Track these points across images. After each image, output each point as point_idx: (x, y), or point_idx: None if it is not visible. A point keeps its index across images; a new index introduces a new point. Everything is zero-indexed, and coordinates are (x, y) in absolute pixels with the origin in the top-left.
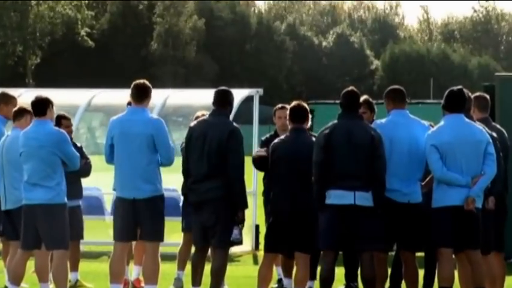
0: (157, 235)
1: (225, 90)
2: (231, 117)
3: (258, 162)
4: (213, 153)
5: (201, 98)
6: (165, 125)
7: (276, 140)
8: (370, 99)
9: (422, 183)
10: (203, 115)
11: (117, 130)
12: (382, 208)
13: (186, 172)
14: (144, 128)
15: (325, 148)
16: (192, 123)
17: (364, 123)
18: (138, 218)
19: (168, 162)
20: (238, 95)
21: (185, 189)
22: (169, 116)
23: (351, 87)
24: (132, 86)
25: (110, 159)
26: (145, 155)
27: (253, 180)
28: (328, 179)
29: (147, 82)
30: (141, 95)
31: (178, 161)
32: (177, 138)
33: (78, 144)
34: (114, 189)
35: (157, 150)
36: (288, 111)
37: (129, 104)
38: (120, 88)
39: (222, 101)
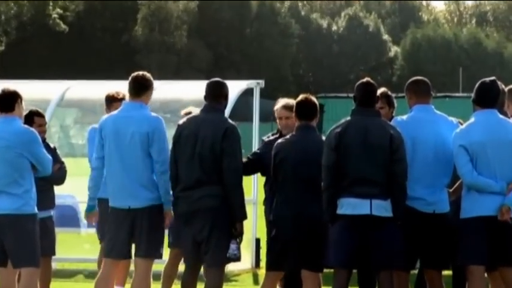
0: (154, 251)
1: (219, 82)
2: (227, 113)
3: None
4: (205, 155)
5: (193, 91)
6: (164, 126)
7: (280, 140)
8: (389, 93)
9: (450, 190)
10: (187, 113)
11: (108, 129)
12: (403, 219)
13: (174, 178)
14: (139, 126)
15: (336, 149)
16: (181, 121)
17: (382, 121)
18: (134, 231)
19: (162, 168)
20: (236, 87)
21: (172, 198)
22: (155, 111)
23: (366, 79)
24: (130, 78)
25: (98, 164)
26: (142, 157)
27: (253, 186)
28: (340, 185)
29: (147, 74)
30: (139, 88)
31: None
32: None
33: (52, 146)
34: (92, 197)
35: (150, 152)
36: (294, 108)
37: (114, 100)
38: (98, 79)
39: (216, 94)
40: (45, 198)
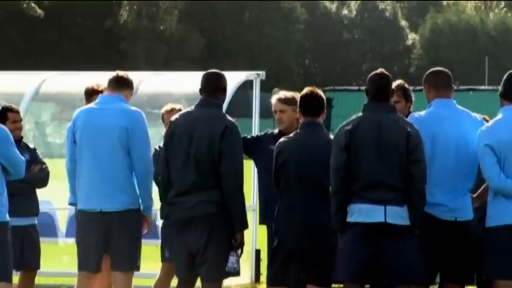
0: (134, 263)
1: (217, 73)
2: (223, 109)
3: None
4: (201, 156)
5: (185, 84)
6: (146, 121)
7: (282, 139)
8: (406, 85)
9: (474, 196)
10: (180, 110)
11: (80, 121)
12: (422, 228)
13: (165, 182)
14: (116, 119)
15: (346, 149)
16: (174, 117)
17: (398, 117)
18: (108, 238)
19: (146, 169)
20: (233, 79)
21: (165, 204)
22: (142, 106)
23: (380, 70)
24: (111, 75)
25: (72, 166)
26: (119, 154)
27: (254, 191)
28: (351, 189)
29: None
30: (119, 82)
31: None
32: (152, 136)
33: (31, 146)
34: (71, 204)
35: (129, 150)
36: (298, 102)
37: (95, 92)
38: (78, 70)
39: (213, 87)
40: (27, 203)
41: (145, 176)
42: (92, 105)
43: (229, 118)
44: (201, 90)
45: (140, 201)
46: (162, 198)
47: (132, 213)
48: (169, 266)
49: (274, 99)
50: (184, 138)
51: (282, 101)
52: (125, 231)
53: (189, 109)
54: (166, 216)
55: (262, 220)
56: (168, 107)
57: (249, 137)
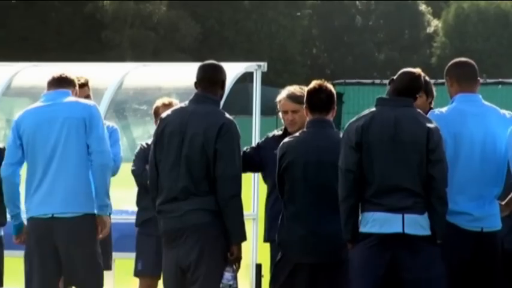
0: (93, 279)
1: (215, 65)
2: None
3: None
4: (195, 158)
5: (176, 76)
6: (100, 113)
7: (286, 139)
8: (426, 78)
9: (502, 203)
10: (169, 104)
11: (28, 122)
12: (444, 239)
13: (153, 187)
14: (72, 111)
15: (358, 148)
16: (165, 113)
17: (417, 112)
18: (60, 250)
19: (103, 160)
20: (231, 71)
21: (145, 214)
22: (128, 102)
23: (417, 70)
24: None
25: (9, 171)
26: (77, 150)
27: (253, 198)
28: (363, 194)
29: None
30: (61, 81)
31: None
32: (140, 135)
33: (1, 145)
34: (13, 215)
35: (88, 143)
36: (304, 98)
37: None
38: (55, 61)
39: (210, 80)
40: None
41: (102, 168)
42: (37, 104)
43: (227, 116)
44: (196, 84)
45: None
46: (152, 205)
47: (88, 219)
48: (147, 281)
49: (283, 97)
50: (175, 137)
51: (294, 99)
52: (80, 240)
53: (182, 105)
54: (151, 227)
55: (268, 237)
56: (164, 100)
57: (248, 149)
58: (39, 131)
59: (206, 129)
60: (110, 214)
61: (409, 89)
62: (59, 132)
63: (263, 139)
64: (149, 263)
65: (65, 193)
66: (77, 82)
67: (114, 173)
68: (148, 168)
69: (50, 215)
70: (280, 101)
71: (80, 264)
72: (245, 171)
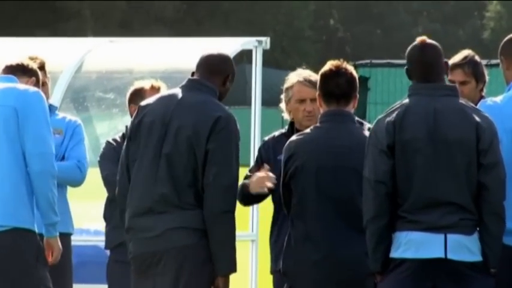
0: None
1: (223, 55)
2: None
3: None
4: (178, 157)
5: (152, 56)
6: (45, 102)
7: (294, 137)
8: (476, 58)
9: None
10: (159, 88)
11: None
12: (499, 266)
13: (123, 196)
14: (2, 99)
15: (389, 151)
16: (145, 101)
17: (462, 103)
18: None
19: (42, 166)
20: (224, 49)
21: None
22: (90, 89)
23: (420, 39)
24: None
25: None
26: (4, 146)
27: (253, 214)
28: (396, 210)
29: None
30: (13, 68)
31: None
32: (105, 132)
33: None
34: None
35: (22, 141)
36: (318, 83)
37: None
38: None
39: (212, 69)
40: None
41: (41, 177)
42: None
43: (225, 108)
44: (198, 67)
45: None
46: (120, 218)
47: (21, 234)
48: None
49: (297, 82)
50: (155, 129)
51: (312, 83)
52: (9, 261)
53: (170, 91)
54: (118, 247)
55: (275, 267)
56: (153, 82)
57: (250, 173)
58: None
59: (197, 122)
60: (70, 235)
61: (424, 71)
62: None
63: (262, 145)
64: None
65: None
66: (39, 72)
67: (79, 182)
68: (118, 171)
69: None
70: (292, 87)
71: None
72: (251, 202)
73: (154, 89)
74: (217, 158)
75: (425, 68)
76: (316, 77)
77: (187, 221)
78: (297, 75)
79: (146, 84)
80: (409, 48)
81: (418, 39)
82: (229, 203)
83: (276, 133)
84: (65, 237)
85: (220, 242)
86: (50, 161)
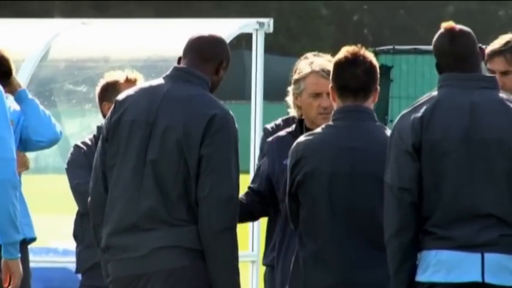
0: None
1: (215, 38)
2: None
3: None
4: (166, 164)
5: (130, 41)
6: (3, 97)
7: (302, 138)
8: None
9: None
10: (135, 80)
11: None
12: None
13: (98, 209)
14: None
15: (417, 154)
16: (123, 94)
17: (503, 98)
18: None
19: (1, 175)
20: (219, 33)
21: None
22: (58, 80)
23: (447, 24)
24: None
25: None
26: None
27: (253, 231)
28: (423, 224)
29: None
30: None
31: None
32: (76, 132)
33: None
34: None
35: None
36: (332, 73)
37: None
38: None
39: (203, 54)
40: None
41: (1, 186)
42: None
43: (220, 104)
44: (185, 52)
45: None
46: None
47: None
48: None
49: (311, 72)
50: (138, 130)
51: (327, 74)
52: None
53: (153, 83)
54: (88, 270)
55: None
56: (128, 74)
57: (253, 185)
58: None
59: (187, 121)
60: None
61: (454, 60)
62: None
63: (266, 146)
64: None
65: None
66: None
67: (53, 142)
68: (92, 177)
69: None
70: (305, 78)
71: None
72: (260, 216)
73: (130, 82)
74: (214, 165)
75: (457, 61)
76: (329, 64)
77: (178, 239)
78: (310, 64)
79: (121, 76)
80: (435, 37)
81: (444, 26)
82: (230, 219)
83: (282, 133)
84: (22, 244)
85: (221, 265)
86: (9, 168)
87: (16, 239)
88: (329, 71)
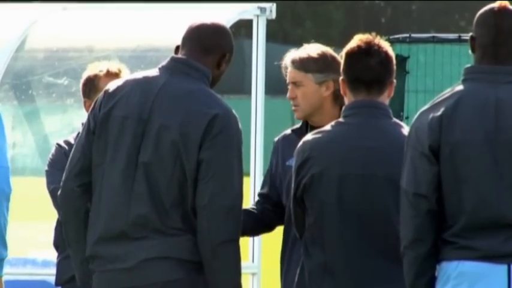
0: None
1: (218, 26)
2: None
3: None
4: (161, 167)
5: (119, 28)
6: None
7: (309, 136)
8: None
9: None
10: (118, 73)
11: None
12: None
13: (80, 213)
14: None
15: (435, 156)
16: (114, 84)
17: None
18: None
19: None
20: (217, 19)
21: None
22: (36, 72)
23: (500, 2)
24: None
25: None
26: None
27: (253, 242)
28: (442, 232)
29: None
30: None
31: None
32: (57, 130)
33: None
34: None
35: None
36: (342, 65)
37: None
38: None
39: (203, 45)
40: None
41: None
42: None
43: (222, 102)
44: (177, 48)
45: None
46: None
47: None
48: None
49: (286, 62)
50: (129, 127)
51: (298, 63)
52: None
53: (147, 74)
54: (72, 280)
55: None
56: (110, 66)
57: (263, 191)
58: None
59: (185, 121)
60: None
61: (500, 49)
62: None
63: (273, 150)
64: None
65: None
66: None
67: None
68: (66, 170)
69: None
70: (286, 68)
71: None
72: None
73: (112, 76)
74: (214, 171)
75: (498, 37)
76: (322, 52)
77: (171, 250)
78: (292, 52)
79: (102, 68)
80: (480, 12)
81: (497, 3)
82: (232, 229)
83: (288, 132)
84: None
85: (222, 280)
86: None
87: (3, 256)
88: (301, 60)
